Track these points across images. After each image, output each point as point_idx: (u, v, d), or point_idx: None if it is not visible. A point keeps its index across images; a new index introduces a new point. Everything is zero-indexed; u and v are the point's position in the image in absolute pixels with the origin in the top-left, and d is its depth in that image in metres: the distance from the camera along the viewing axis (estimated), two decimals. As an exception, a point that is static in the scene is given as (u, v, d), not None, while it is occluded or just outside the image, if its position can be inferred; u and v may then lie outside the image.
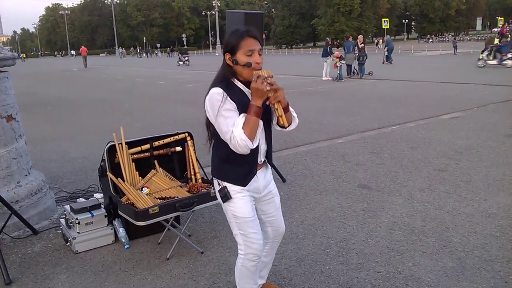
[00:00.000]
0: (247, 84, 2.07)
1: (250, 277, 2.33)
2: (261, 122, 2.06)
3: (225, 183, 2.20)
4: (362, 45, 17.72)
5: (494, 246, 3.23)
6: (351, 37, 18.40)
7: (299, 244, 3.40)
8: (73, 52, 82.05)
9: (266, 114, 2.12)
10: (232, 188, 2.19)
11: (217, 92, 2.04)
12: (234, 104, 2.04)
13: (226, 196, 2.19)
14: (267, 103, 2.04)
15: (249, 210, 2.21)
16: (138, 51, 66.72)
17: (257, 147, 2.13)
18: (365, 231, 3.59)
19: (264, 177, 2.30)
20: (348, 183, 4.77)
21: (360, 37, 18.42)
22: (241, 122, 1.99)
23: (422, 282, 2.82)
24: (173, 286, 2.90)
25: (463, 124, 7.54)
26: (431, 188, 4.49)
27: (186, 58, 33.00)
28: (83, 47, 42.11)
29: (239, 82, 2.11)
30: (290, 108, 2.19)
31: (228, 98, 2.03)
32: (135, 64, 40.86)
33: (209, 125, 2.19)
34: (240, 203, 2.19)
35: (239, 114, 2.03)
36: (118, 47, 73.96)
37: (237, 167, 2.17)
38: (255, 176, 2.23)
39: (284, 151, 6.32)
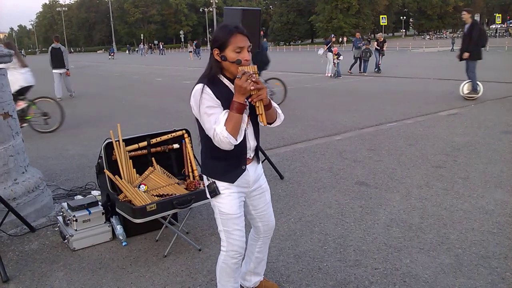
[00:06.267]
0: (233, 80, 2.05)
1: (230, 275, 2.33)
2: (245, 117, 2.07)
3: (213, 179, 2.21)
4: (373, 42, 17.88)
5: (491, 243, 3.24)
6: (358, 34, 18.49)
7: (297, 241, 3.40)
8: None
9: (254, 112, 2.13)
10: (220, 183, 2.20)
11: (200, 89, 2.05)
12: (218, 100, 2.04)
13: (214, 191, 2.20)
14: (249, 100, 2.04)
15: (236, 208, 2.22)
16: (161, 47, 61.35)
17: (245, 142, 2.15)
18: (362, 227, 3.59)
19: (254, 171, 2.30)
20: (345, 180, 4.77)
21: (380, 35, 18.44)
22: (224, 119, 2.00)
23: (420, 278, 2.82)
24: (170, 283, 2.90)
25: (460, 121, 7.55)
26: (429, 185, 4.50)
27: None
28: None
29: (225, 79, 2.12)
30: (275, 105, 2.21)
31: (212, 94, 2.04)
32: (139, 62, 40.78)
33: (196, 120, 2.20)
34: (227, 200, 2.20)
35: (223, 110, 2.04)
36: (140, 44, 72.69)
37: (225, 163, 2.18)
38: (246, 170, 2.23)
39: (281, 148, 6.32)
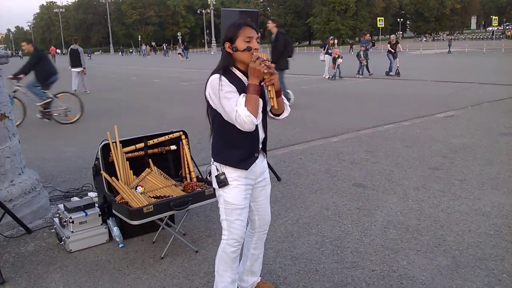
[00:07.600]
0: (245, 73, 2.19)
1: (229, 265, 2.38)
2: (261, 100, 2.19)
3: (224, 169, 2.28)
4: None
5: (488, 245, 3.24)
6: (368, 35, 18.31)
7: (294, 243, 3.40)
8: (58, 51, 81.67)
9: (264, 105, 2.27)
10: (230, 175, 2.27)
11: (217, 77, 2.16)
12: (234, 87, 2.16)
13: (223, 182, 2.28)
14: (262, 83, 2.17)
15: (241, 199, 2.30)
16: (165, 48, 60.31)
17: (257, 132, 2.28)
18: (360, 229, 3.59)
19: (261, 163, 2.41)
20: (343, 182, 4.77)
21: (393, 37, 18.26)
22: (243, 101, 2.12)
23: (417, 280, 2.82)
24: (167, 285, 2.89)
25: (457, 123, 7.57)
26: (426, 187, 4.51)
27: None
28: (52, 47, 52.39)
29: (237, 71, 2.23)
30: (282, 96, 2.31)
31: (228, 81, 2.16)
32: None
33: (210, 113, 2.28)
34: (234, 191, 2.28)
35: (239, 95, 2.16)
36: (141, 45, 72.80)
37: (240, 151, 2.28)
38: (257, 158, 2.35)
39: (279, 149, 6.32)
